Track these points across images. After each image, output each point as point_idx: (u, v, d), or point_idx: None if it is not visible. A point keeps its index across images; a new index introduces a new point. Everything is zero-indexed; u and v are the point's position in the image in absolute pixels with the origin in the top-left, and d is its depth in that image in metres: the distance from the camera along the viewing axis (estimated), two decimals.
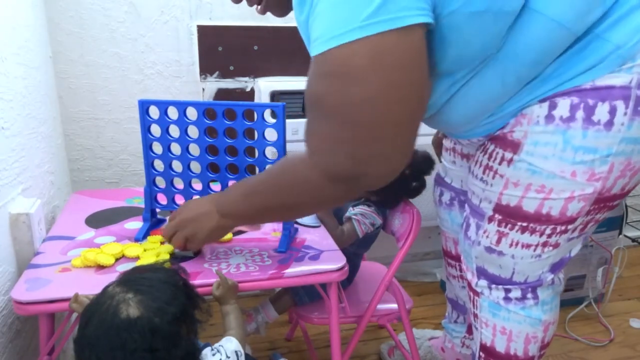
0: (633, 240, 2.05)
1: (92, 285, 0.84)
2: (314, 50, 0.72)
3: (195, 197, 1.08)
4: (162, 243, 1.04)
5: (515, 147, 0.86)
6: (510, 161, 0.87)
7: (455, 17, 0.71)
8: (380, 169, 0.77)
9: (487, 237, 0.94)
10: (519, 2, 0.74)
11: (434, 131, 1.28)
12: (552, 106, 0.81)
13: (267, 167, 0.99)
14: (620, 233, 1.74)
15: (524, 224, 0.89)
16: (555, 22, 0.75)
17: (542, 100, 0.82)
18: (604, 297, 1.75)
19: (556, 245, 0.90)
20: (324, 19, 0.69)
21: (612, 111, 0.78)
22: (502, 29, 0.76)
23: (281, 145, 1.00)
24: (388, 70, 0.68)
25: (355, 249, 1.28)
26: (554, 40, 0.77)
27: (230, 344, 0.86)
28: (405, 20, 0.66)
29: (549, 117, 0.82)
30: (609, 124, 0.79)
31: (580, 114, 0.79)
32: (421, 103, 0.76)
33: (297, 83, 1.57)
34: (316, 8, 0.70)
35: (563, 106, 0.80)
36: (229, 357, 0.83)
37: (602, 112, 0.78)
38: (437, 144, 1.30)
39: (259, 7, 0.91)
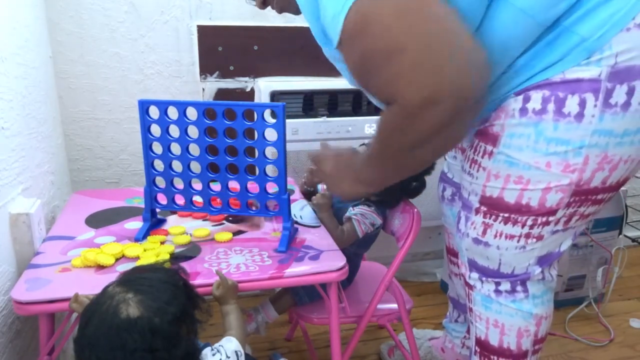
0: (633, 240, 2.05)
1: (92, 285, 0.84)
2: (337, 27, 0.74)
3: (196, 197, 1.09)
4: (162, 243, 1.04)
5: (494, 140, 0.89)
6: (490, 154, 0.90)
7: None
8: (451, 76, 0.71)
9: (474, 228, 0.96)
10: None
11: None
12: (526, 99, 0.84)
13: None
14: (620, 233, 1.74)
15: (506, 215, 0.91)
16: (521, 10, 0.78)
17: (518, 94, 0.85)
18: (604, 297, 1.75)
19: (540, 237, 0.91)
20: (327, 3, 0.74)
21: (582, 103, 0.80)
22: (477, 7, 0.78)
23: (281, 145, 1.00)
24: (400, 8, 0.70)
25: (355, 249, 1.28)
26: (519, 29, 0.79)
27: (230, 344, 0.86)
28: None
29: (523, 110, 0.85)
30: (579, 116, 0.80)
31: (551, 106, 0.82)
32: (453, 15, 0.73)
33: (297, 83, 1.57)
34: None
35: (535, 99, 0.83)
36: (229, 357, 0.83)
37: (572, 104, 0.80)
38: None
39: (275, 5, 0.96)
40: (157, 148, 1.05)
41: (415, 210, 1.20)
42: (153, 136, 1.04)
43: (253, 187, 1.06)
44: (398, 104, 0.76)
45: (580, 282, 1.73)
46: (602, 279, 1.72)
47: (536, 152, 0.84)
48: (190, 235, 1.08)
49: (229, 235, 1.07)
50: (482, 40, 0.79)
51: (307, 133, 1.46)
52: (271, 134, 1.00)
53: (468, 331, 1.35)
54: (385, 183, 0.97)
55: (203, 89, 1.57)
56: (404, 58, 0.71)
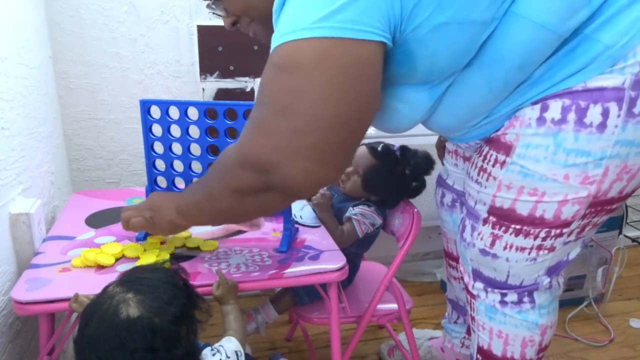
0: (633, 240, 2.06)
1: (92, 285, 0.84)
2: (271, 50, 0.75)
3: None
4: (162, 243, 1.04)
5: (507, 149, 0.85)
6: (503, 163, 0.86)
7: (419, 32, 0.73)
8: (295, 168, 0.74)
9: (482, 239, 0.93)
10: (489, 12, 0.74)
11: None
12: (544, 108, 0.81)
13: None
14: (620, 233, 1.74)
15: (518, 227, 0.88)
16: (539, 25, 0.75)
17: (535, 103, 0.82)
18: (604, 297, 1.75)
19: (552, 249, 0.89)
20: (281, 23, 0.74)
21: (605, 113, 0.77)
22: (473, 39, 0.76)
23: None
24: (328, 70, 0.70)
25: (355, 249, 1.28)
26: (538, 44, 0.77)
27: (230, 343, 0.86)
28: (352, 33, 0.69)
29: (541, 120, 0.81)
30: (602, 126, 0.77)
31: (571, 116, 0.79)
32: (360, 116, 0.74)
33: None
34: (281, 19, 0.75)
35: (554, 108, 0.80)
36: (229, 357, 0.83)
37: (594, 114, 0.77)
38: (440, 147, 1.30)
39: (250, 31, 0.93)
40: (159, 148, 1.05)
41: (415, 210, 1.20)
42: (154, 136, 1.04)
43: None
44: (237, 149, 0.79)
45: (580, 282, 1.73)
46: (602, 279, 1.72)
47: (554, 164, 0.81)
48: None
49: (215, 244, 1.05)
50: (497, 61, 0.78)
51: None
52: None
53: (467, 332, 1.35)
54: (199, 215, 0.89)
55: (203, 89, 1.57)
56: (284, 123, 0.72)
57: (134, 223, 0.91)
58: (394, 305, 1.25)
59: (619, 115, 0.77)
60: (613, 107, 0.77)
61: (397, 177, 1.21)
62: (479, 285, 0.98)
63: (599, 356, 1.54)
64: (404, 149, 1.23)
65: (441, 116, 0.88)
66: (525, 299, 0.95)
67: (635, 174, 0.82)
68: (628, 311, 1.76)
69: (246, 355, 0.89)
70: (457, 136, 0.96)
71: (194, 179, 1.07)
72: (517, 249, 0.89)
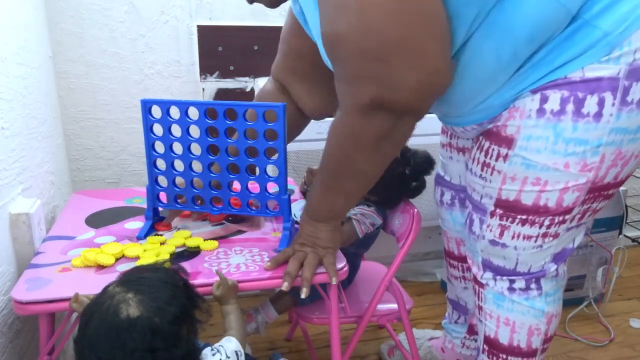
0: (633, 240, 2.06)
1: (92, 285, 0.84)
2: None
3: (198, 196, 1.09)
4: (162, 244, 1.04)
5: (509, 142, 0.88)
6: (505, 157, 0.89)
7: None
8: (408, 78, 0.74)
9: (491, 230, 0.96)
10: None
11: (435, 131, 1.28)
12: (544, 100, 0.83)
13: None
14: (620, 233, 1.74)
15: (524, 217, 0.91)
16: None
17: (534, 91, 0.84)
18: (604, 297, 1.75)
19: (556, 236, 0.92)
20: None
21: (601, 103, 0.80)
22: None
23: (281, 145, 0.99)
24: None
25: (355, 249, 1.27)
26: (548, 16, 0.77)
27: (230, 343, 0.86)
28: None
29: (541, 111, 0.83)
30: (598, 115, 0.80)
31: (570, 107, 0.81)
32: (433, 16, 0.74)
33: None
34: None
35: (554, 100, 0.82)
36: (229, 357, 0.83)
37: (591, 104, 0.80)
38: None
39: None
40: (159, 147, 1.05)
41: (415, 210, 1.20)
42: (155, 135, 1.04)
43: (254, 187, 1.06)
44: (346, 110, 0.81)
45: (580, 282, 1.74)
46: (602, 279, 1.72)
47: (555, 154, 0.84)
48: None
49: (215, 244, 1.04)
50: (508, 31, 0.78)
51: (307, 133, 1.46)
52: (271, 134, 1.00)
53: (468, 332, 1.35)
54: (342, 207, 0.97)
55: (203, 89, 1.57)
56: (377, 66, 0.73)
57: (307, 270, 0.93)
58: (394, 305, 1.25)
59: (613, 104, 0.79)
60: (608, 96, 0.79)
61: (397, 177, 1.21)
62: (488, 274, 1.01)
63: (599, 356, 1.54)
64: (404, 148, 1.23)
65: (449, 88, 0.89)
66: (533, 286, 0.97)
67: (628, 160, 0.85)
68: (628, 311, 1.76)
69: (246, 355, 0.89)
70: (458, 116, 0.96)
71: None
72: (524, 237, 0.92)
